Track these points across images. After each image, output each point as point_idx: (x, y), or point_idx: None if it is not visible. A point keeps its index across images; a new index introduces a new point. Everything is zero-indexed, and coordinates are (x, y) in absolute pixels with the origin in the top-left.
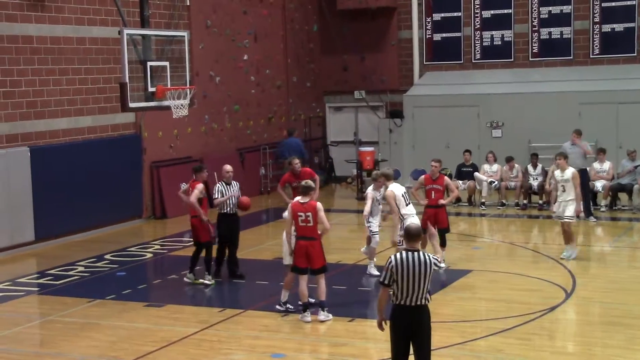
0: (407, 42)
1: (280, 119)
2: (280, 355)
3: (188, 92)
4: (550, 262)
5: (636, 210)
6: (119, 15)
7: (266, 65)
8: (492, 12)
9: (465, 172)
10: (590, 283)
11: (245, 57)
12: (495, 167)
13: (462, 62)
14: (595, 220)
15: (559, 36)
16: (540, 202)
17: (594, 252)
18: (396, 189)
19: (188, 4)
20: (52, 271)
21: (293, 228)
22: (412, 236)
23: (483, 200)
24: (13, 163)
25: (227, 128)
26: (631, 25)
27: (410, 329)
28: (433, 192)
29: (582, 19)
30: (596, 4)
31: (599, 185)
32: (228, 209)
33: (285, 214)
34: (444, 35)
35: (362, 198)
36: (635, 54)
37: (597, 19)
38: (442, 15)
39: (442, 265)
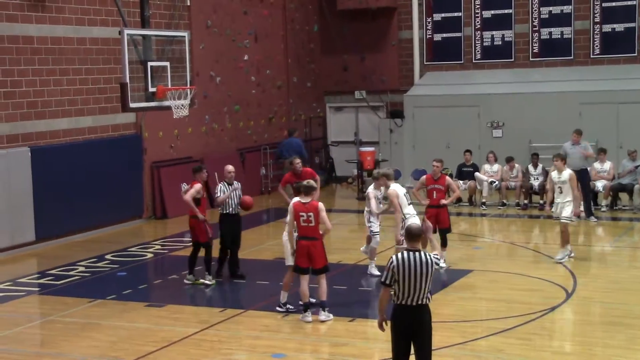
0: (407, 42)
1: (280, 119)
2: (280, 355)
3: (188, 92)
4: (551, 262)
5: (637, 210)
6: (120, 16)
7: (267, 66)
8: (492, 12)
9: (466, 172)
10: (591, 283)
11: (246, 57)
12: (496, 167)
13: (462, 62)
14: (596, 220)
15: (559, 36)
16: (541, 202)
17: (594, 252)
18: (398, 188)
19: (188, 4)
20: (52, 271)
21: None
22: (413, 236)
23: (484, 200)
24: (14, 163)
25: (227, 128)
26: (632, 25)
27: (411, 328)
28: (435, 192)
29: (583, 19)
30: (597, 4)
31: (599, 185)
32: (230, 209)
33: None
34: (445, 35)
35: (362, 198)
36: (635, 54)
37: (597, 19)
38: (443, 15)
39: (443, 264)
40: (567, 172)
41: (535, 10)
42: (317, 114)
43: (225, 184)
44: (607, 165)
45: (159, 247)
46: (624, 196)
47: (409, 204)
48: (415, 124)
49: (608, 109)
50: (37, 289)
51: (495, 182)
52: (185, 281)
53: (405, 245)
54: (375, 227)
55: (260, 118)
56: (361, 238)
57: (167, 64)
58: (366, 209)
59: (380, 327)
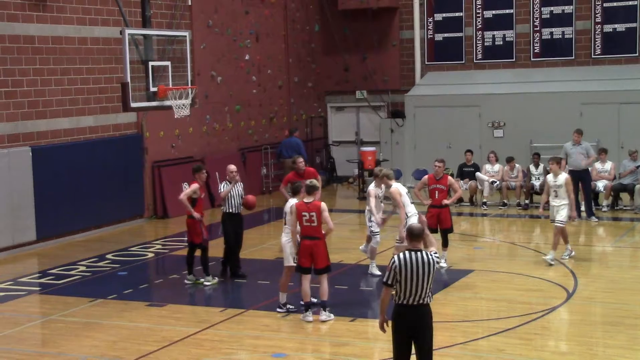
0: (408, 42)
1: (281, 119)
2: (281, 355)
3: (190, 92)
4: (554, 261)
5: (638, 211)
6: (121, 15)
7: (268, 65)
8: (493, 12)
9: (467, 172)
10: (592, 283)
11: (247, 57)
12: (497, 167)
13: (463, 62)
14: (597, 220)
15: (560, 36)
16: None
17: (595, 252)
18: (400, 187)
19: (190, 3)
20: (53, 271)
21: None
22: (414, 236)
23: (485, 200)
24: (15, 163)
25: (228, 128)
26: (633, 25)
27: (413, 328)
28: (437, 192)
29: (584, 19)
30: (598, 4)
31: (600, 185)
32: (233, 208)
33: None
34: (446, 35)
35: (363, 198)
36: (636, 54)
37: (598, 19)
38: (444, 15)
39: (444, 264)
40: (563, 176)
41: (537, 10)
42: (318, 113)
43: (228, 183)
44: (608, 165)
45: (160, 246)
46: (625, 196)
47: (410, 203)
48: (416, 124)
49: (609, 109)
50: (38, 288)
51: (496, 182)
52: (186, 281)
53: (405, 244)
54: (375, 226)
55: (261, 118)
56: (362, 238)
57: (168, 63)
58: (367, 208)
59: (382, 328)
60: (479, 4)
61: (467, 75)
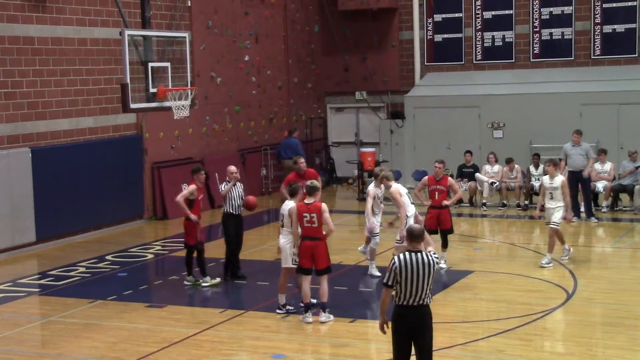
0: (408, 43)
1: (281, 120)
2: (281, 356)
3: (189, 93)
4: (552, 262)
5: (637, 211)
6: (120, 16)
7: (267, 66)
8: (493, 13)
9: (467, 173)
10: (592, 284)
11: (247, 58)
12: (497, 167)
13: (463, 62)
14: (596, 221)
15: (560, 37)
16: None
17: (595, 253)
18: (400, 187)
19: (189, 4)
20: (53, 272)
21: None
22: (414, 237)
23: (484, 201)
24: (14, 164)
25: (228, 129)
26: (632, 26)
27: (412, 329)
28: (437, 192)
29: (583, 20)
30: (597, 5)
31: (600, 186)
32: (233, 209)
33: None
34: (445, 36)
35: (363, 199)
36: (636, 55)
37: (598, 20)
38: (443, 16)
39: (444, 265)
40: (559, 178)
41: (536, 11)
42: (318, 114)
43: (228, 183)
44: (608, 166)
45: (160, 247)
46: (624, 197)
47: (410, 204)
48: (415, 124)
49: (609, 109)
50: (37, 289)
51: (495, 182)
52: (185, 282)
53: (404, 244)
54: (376, 227)
55: (261, 119)
56: (362, 239)
57: (168, 64)
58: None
59: (382, 329)
60: (479, 5)
61: (466, 76)
